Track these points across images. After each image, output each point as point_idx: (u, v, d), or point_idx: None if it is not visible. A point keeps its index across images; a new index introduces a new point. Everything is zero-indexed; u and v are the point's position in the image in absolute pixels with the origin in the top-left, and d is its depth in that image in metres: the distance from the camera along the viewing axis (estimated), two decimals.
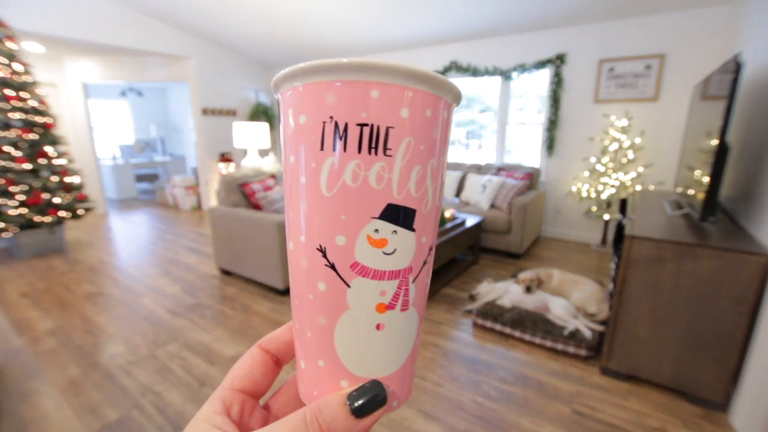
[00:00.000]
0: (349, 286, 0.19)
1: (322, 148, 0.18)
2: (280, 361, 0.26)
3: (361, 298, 0.20)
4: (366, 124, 0.18)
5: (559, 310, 2.08)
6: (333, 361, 0.21)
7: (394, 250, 0.20)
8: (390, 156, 0.18)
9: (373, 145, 0.18)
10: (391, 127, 0.18)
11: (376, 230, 0.19)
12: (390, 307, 0.20)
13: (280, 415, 0.24)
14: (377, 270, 0.19)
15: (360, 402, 0.19)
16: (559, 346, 1.93)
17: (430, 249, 0.22)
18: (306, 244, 0.20)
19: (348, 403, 0.19)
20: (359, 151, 0.18)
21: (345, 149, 0.18)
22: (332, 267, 0.19)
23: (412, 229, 0.20)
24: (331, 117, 0.18)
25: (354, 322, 0.20)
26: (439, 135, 0.20)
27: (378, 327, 0.20)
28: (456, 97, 0.21)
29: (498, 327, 2.12)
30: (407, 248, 0.20)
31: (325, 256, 0.19)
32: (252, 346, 0.25)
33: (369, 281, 0.19)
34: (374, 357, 0.21)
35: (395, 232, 0.19)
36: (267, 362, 0.25)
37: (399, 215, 0.19)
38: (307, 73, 0.18)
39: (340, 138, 0.18)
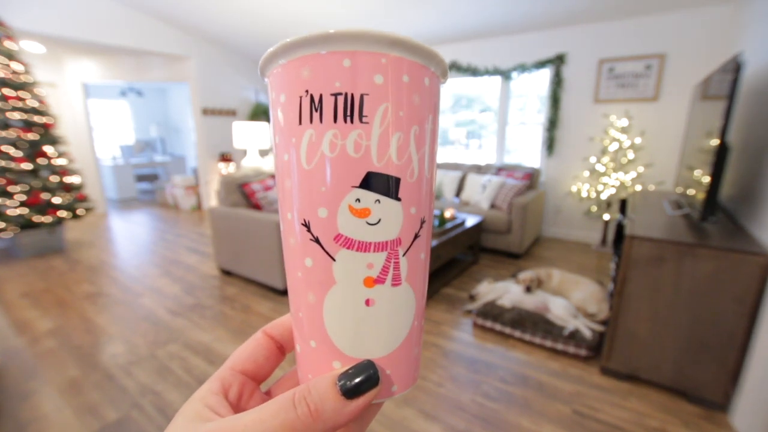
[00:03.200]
0: (334, 260, 0.19)
1: (300, 123, 0.18)
2: (284, 348, 0.25)
3: (347, 271, 0.19)
4: (340, 93, 0.18)
5: (559, 310, 2.08)
6: (324, 341, 0.20)
7: (379, 220, 0.19)
8: (366, 123, 0.18)
9: (348, 113, 0.18)
10: (366, 94, 0.18)
11: (358, 200, 0.19)
12: (379, 281, 0.19)
13: None
14: (362, 241, 0.19)
15: (351, 382, 0.19)
16: (559, 346, 1.93)
17: (423, 222, 0.21)
18: (292, 220, 0.20)
19: (339, 383, 0.19)
20: (335, 120, 0.18)
21: (321, 120, 0.18)
22: (317, 241, 0.19)
23: (398, 198, 0.19)
24: (307, 90, 0.18)
25: (342, 297, 0.20)
26: (421, 102, 0.20)
27: (367, 302, 0.20)
28: (441, 67, 0.21)
29: (498, 327, 2.12)
30: (393, 218, 0.19)
31: (309, 230, 0.19)
32: (257, 332, 0.25)
33: (354, 253, 0.19)
34: (366, 335, 0.20)
35: (378, 201, 0.19)
36: (271, 347, 0.25)
37: (380, 183, 0.19)
38: (285, 50, 0.18)
39: (316, 110, 0.18)
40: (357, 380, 0.19)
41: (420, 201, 0.21)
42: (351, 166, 0.18)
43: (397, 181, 0.19)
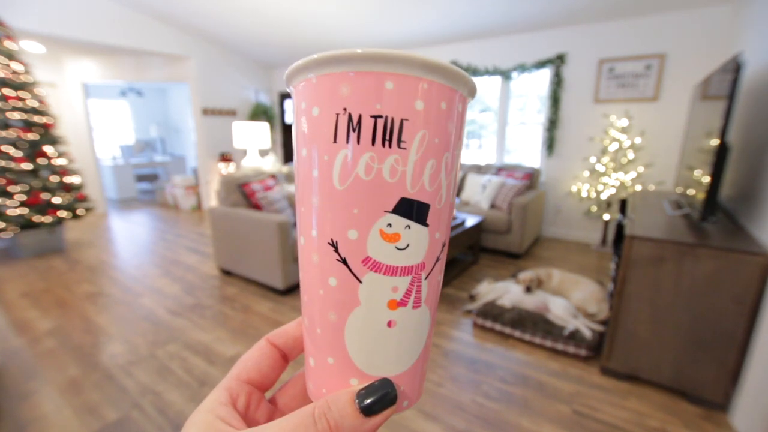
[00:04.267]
0: (360, 282, 0.19)
1: (335, 141, 0.18)
2: (287, 356, 0.25)
3: (372, 293, 0.19)
4: (380, 116, 0.18)
5: (559, 310, 2.08)
6: (343, 359, 0.20)
7: (407, 245, 0.19)
8: (404, 149, 0.18)
9: (387, 137, 0.18)
10: (406, 120, 0.18)
11: (389, 224, 0.19)
12: (402, 303, 0.20)
13: (286, 410, 0.24)
14: (389, 265, 0.19)
15: (369, 400, 0.19)
16: (559, 346, 1.93)
17: (444, 245, 0.21)
18: (317, 238, 0.20)
19: (357, 401, 0.19)
20: (373, 143, 0.18)
21: (358, 141, 0.18)
22: (344, 262, 0.19)
23: (426, 224, 0.20)
24: (345, 109, 0.18)
25: (365, 318, 0.20)
26: (454, 129, 0.20)
27: (389, 324, 0.20)
28: (471, 90, 0.21)
29: (498, 327, 2.12)
30: (420, 244, 0.20)
31: (336, 250, 0.19)
32: (260, 340, 0.25)
33: (381, 277, 0.19)
34: (385, 355, 0.21)
35: (408, 226, 0.19)
36: (275, 355, 0.25)
37: (412, 209, 0.19)
38: (320, 64, 0.18)
39: (354, 130, 0.18)
40: (375, 398, 0.19)
41: (444, 226, 0.21)
42: (385, 191, 0.18)
43: (428, 207, 0.19)
